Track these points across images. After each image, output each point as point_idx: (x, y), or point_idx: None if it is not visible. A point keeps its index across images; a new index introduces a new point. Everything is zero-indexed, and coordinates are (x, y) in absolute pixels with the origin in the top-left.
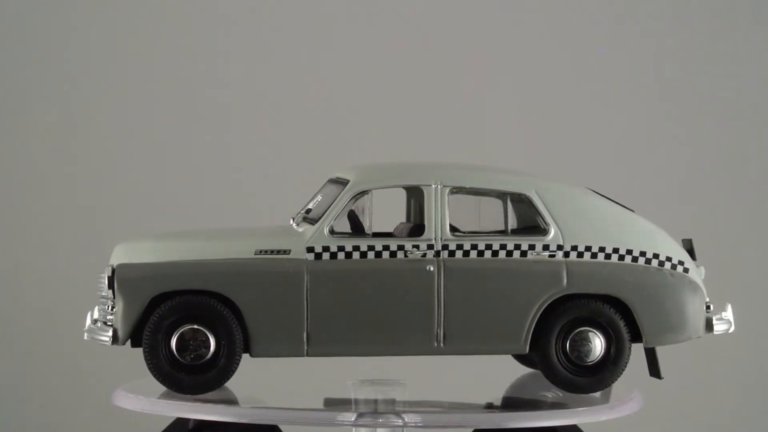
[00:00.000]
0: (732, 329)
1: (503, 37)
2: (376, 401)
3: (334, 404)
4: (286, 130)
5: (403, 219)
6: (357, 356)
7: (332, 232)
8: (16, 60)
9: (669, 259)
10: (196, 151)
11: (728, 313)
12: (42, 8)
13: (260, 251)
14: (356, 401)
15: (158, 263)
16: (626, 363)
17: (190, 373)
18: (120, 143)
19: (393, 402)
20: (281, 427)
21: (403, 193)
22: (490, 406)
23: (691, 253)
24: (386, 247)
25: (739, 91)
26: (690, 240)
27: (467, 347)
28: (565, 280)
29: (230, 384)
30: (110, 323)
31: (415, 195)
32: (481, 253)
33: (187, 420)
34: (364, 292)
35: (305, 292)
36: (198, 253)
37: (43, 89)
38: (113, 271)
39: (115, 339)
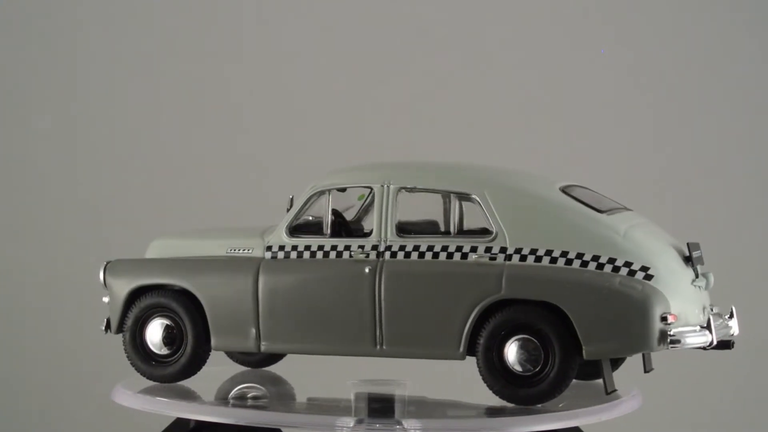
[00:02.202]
0: (712, 341)
1: (503, 37)
2: (375, 405)
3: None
4: (291, 129)
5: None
6: (306, 354)
7: (292, 232)
8: (16, 59)
9: (627, 264)
10: (198, 150)
11: (708, 324)
12: (43, 7)
13: (231, 249)
14: (356, 404)
15: (138, 260)
16: (569, 376)
17: (160, 364)
18: (120, 143)
19: (393, 404)
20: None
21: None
22: (491, 411)
23: (689, 258)
24: (334, 248)
25: (745, 90)
26: (696, 243)
27: (405, 351)
28: (502, 285)
29: (230, 385)
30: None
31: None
32: (422, 255)
33: (188, 421)
34: (309, 291)
35: (256, 289)
36: (182, 251)
37: (44, 89)
38: (105, 266)
39: (107, 328)
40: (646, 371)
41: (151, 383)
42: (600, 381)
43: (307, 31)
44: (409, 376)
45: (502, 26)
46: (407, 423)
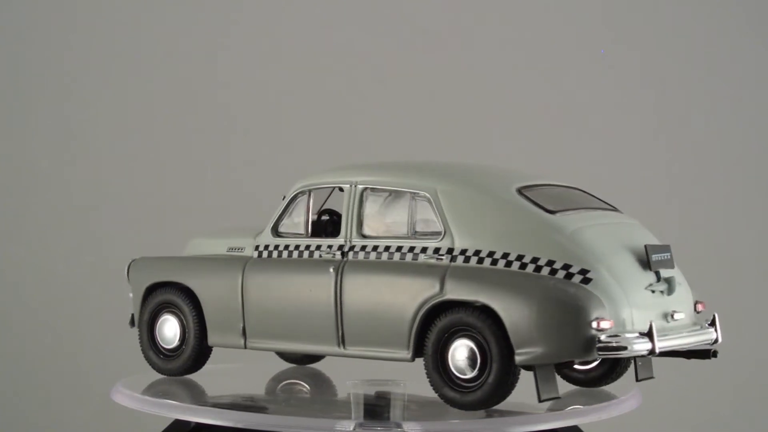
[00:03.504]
0: (653, 350)
1: (502, 38)
2: (374, 406)
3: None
4: (289, 129)
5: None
6: (286, 352)
7: (277, 231)
8: (16, 59)
9: (566, 267)
10: (197, 150)
11: (649, 334)
12: (43, 6)
13: (230, 248)
14: (355, 405)
15: (156, 258)
16: (509, 381)
17: (164, 358)
18: (120, 143)
19: (391, 405)
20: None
21: None
22: (490, 411)
23: (646, 260)
24: (308, 247)
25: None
26: (662, 246)
27: (362, 352)
28: (442, 286)
29: (231, 385)
30: None
31: None
32: (380, 255)
33: (188, 422)
34: (282, 291)
35: (241, 288)
36: (201, 249)
37: (44, 89)
38: (129, 264)
39: (131, 323)
40: (637, 380)
41: (151, 383)
42: (604, 382)
43: (304, 30)
44: (410, 377)
45: (502, 26)
46: (407, 425)
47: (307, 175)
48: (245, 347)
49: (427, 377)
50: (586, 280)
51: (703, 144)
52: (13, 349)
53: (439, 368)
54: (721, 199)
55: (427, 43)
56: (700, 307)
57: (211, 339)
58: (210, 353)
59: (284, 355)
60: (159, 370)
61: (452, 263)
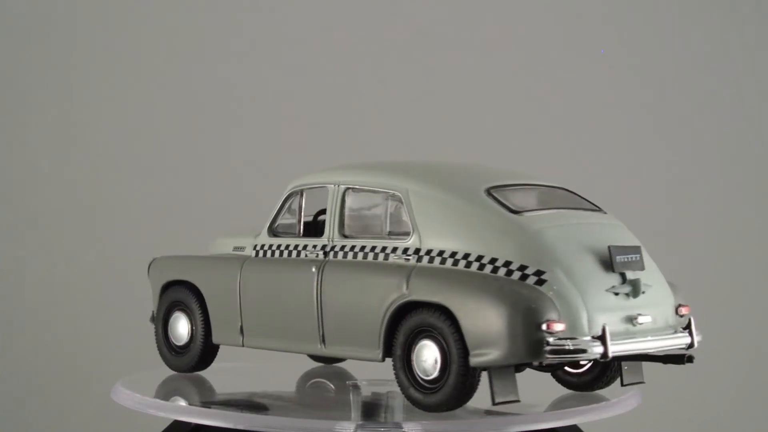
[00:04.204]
0: (605, 353)
1: (502, 37)
2: (375, 406)
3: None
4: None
5: None
6: (279, 351)
7: (273, 231)
8: (16, 58)
9: (522, 268)
10: (198, 150)
11: (602, 337)
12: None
13: (235, 248)
14: (356, 406)
15: (171, 257)
16: (467, 383)
17: (175, 354)
18: (121, 143)
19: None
20: None
21: None
22: (490, 411)
23: (610, 262)
24: (296, 247)
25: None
26: (632, 247)
27: (339, 351)
28: (407, 286)
29: (231, 385)
30: None
31: None
32: (356, 255)
33: (187, 423)
34: (271, 290)
35: (238, 287)
36: (217, 249)
37: (44, 89)
38: (150, 263)
39: (152, 319)
40: (623, 384)
41: (150, 384)
42: (597, 386)
43: (303, 30)
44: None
45: (502, 27)
46: (407, 425)
47: (301, 175)
48: (243, 345)
49: (395, 377)
50: (541, 282)
51: (703, 144)
52: (13, 349)
53: (405, 369)
54: (722, 199)
55: (427, 43)
56: (684, 311)
57: (215, 337)
58: (217, 351)
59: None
60: (170, 366)
61: (418, 264)
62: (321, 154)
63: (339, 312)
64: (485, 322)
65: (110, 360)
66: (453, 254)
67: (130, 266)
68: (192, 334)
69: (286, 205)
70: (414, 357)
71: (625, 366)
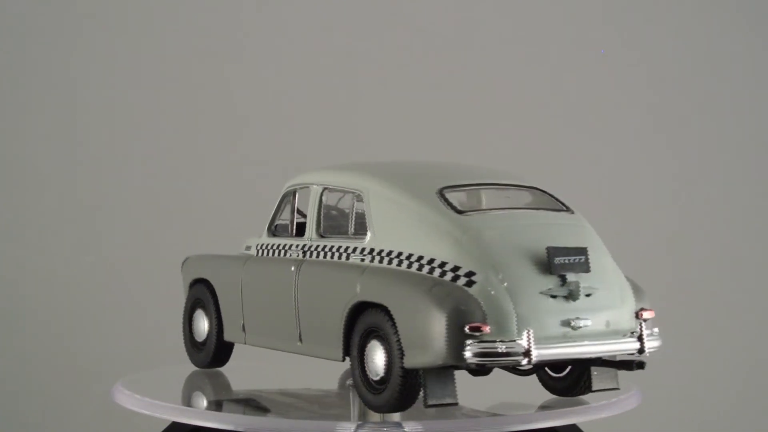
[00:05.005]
0: (529, 356)
1: (502, 37)
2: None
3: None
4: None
5: None
6: (272, 350)
7: (272, 230)
8: (16, 58)
9: (455, 269)
10: (198, 150)
11: (525, 341)
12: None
13: (246, 247)
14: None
15: (199, 256)
16: (410, 385)
17: (195, 350)
18: (121, 143)
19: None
20: None
21: None
22: (491, 411)
23: (549, 263)
24: (283, 246)
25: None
26: (577, 249)
27: (312, 350)
28: (359, 287)
29: (231, 386)
30: None
31: None
32: (326, 255)
33: (185, 425)
34: (260, 289)
35: (240, 285)
36: (242, 249)
37: (44, 88)
38: (183, 261)
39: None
40: (592, 390)
41: (150, 384)
42: (575, 392)
43: (304, 31)
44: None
45: (502, 27)
46: (408, 425)
47: (295, 175)
48: (245, 343)
49: (352, 377)
50: (470, 283)
51: (703, 144)
52: (13, 348)
53: (359, 369)
54: (721, 199)
55: (427, 44)
56: (647, 315)
57: (225, 334)
58: (231, 349)
59: None
60: (192, 362)
61: (371, 264)
62: (321, 154)
63: (309, 312)
64: (415, 323)
65: (110, 360)
66: (399, 254)
67: (130, 266)
68: (209, 331)
69: (282, 206)
70: (366, 357)
71: (595, 371)
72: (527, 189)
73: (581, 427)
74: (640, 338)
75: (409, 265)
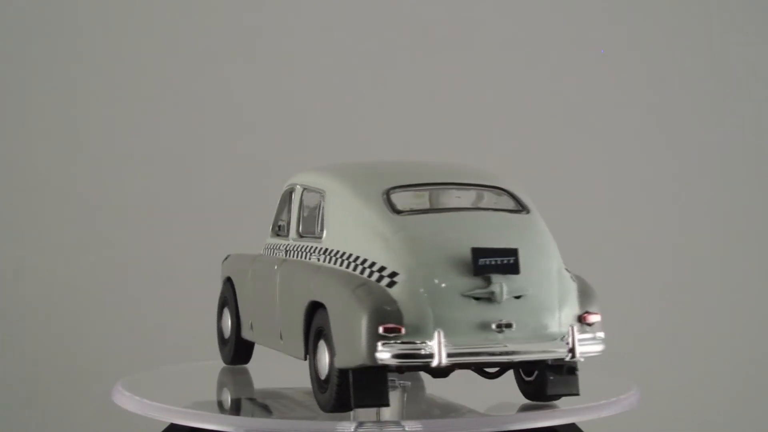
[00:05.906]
0: (439, 358)
1: (502, 37)
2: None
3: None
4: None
5: None
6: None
7: (275, 231)
8: (16, 58)
9: (381, 269)
10: (198, 150)
11: (435, 342)
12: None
13: (264, 247)
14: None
15: (235, 255)
16: (345, 384)
17: (224, 346)
18: (122, 142)
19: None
20: None
21: None
22: (490, 410)
23: (473, 265)
24: (276, 246)
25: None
26: (506, 249)
27: (289, 348)
28: (312, 287)
29: (232, 385)
30: None
31: None
32: (297, 255)
33: (184, 427)
34: (258, 288)
35: (247, 284)
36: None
37: (45, 88)
38: (224, 259)
39: None
40: (547, 394)
41: (150, 384)
42: (542, 396)
43: (306, 31)
44: (409, 377)
45: (502, 27)
46: (408, 424)
47: (292, 176)
48: (253, 341)
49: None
50: (392, 284)
51: (703, 144)
52: (13, 348)
53: (313, 368)
54: (721, 199)
55: (427, 44)
56: (591, 318)
57: (242, 332)
58: (252, 346)
59: None
60: (222, 358)
61: (323, 264)
62: (321, 154)
63: (284, 311)
64: (342, 323)
65: (110, 360)
66: (343, 254)
67: (130, 266)
68: (231, 328)
69: (282, 205)
70: (317, 356)
71: (551, 376)
72: (488, 189)
73: (581, 426)
74: (572, 342)
75: (348, 266)
